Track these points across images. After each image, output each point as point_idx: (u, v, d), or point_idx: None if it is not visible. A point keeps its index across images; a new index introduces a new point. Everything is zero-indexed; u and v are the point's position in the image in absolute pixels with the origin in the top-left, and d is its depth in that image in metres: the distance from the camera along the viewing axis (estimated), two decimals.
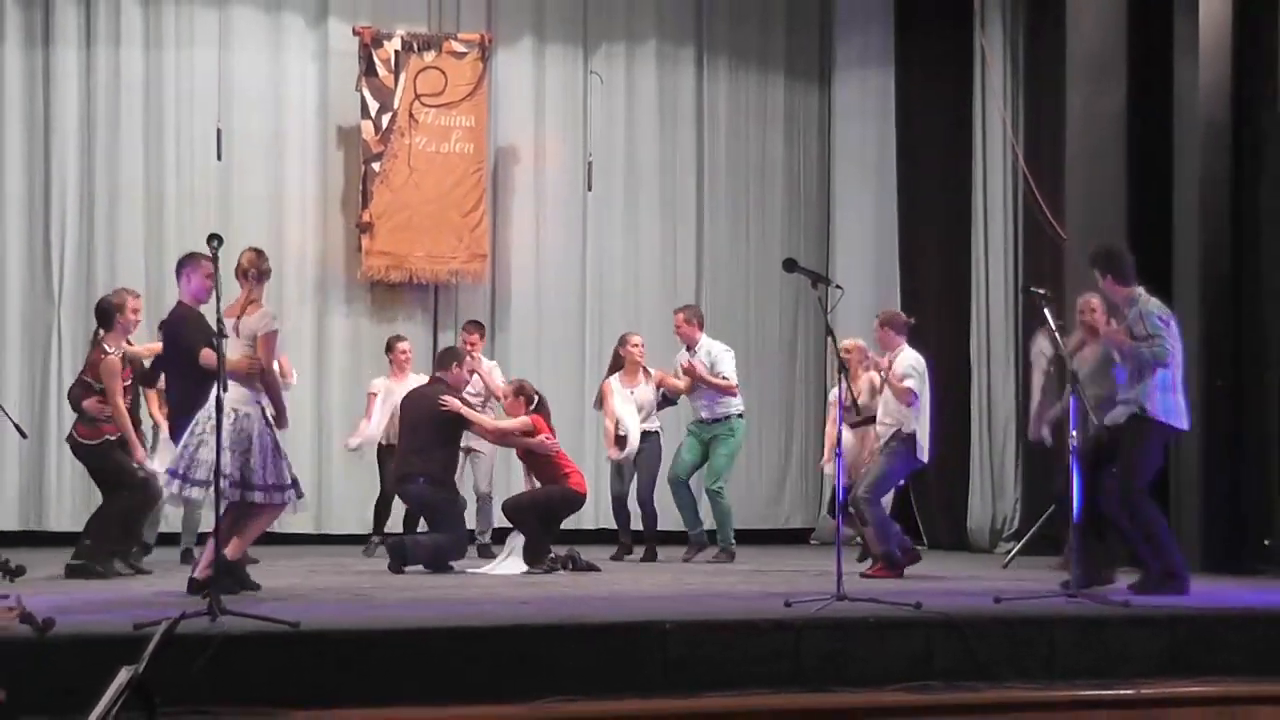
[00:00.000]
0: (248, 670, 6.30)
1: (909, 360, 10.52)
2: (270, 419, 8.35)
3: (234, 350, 8.18)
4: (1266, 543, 10.74)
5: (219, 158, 13.48)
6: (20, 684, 5.30)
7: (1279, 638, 7.73)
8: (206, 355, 8.27)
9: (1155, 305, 8.99)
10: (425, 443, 10.72)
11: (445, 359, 11.16)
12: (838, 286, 9.45)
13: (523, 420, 10.91)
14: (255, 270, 8.36)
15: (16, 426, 10.13)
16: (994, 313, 13.94)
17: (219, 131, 13.45)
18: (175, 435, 8.61)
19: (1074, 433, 8.70)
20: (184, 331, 8.60)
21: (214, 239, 7.58)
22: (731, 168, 14.98)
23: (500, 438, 11.15)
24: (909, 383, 10.37)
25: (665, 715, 6.67)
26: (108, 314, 9.91)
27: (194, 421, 8.22)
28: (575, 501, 11.02)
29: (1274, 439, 10.84)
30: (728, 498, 12.14)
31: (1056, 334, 9.15)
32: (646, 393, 12.05)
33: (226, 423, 7.87)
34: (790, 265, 8.84)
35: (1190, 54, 11.15)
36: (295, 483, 8.51)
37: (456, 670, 6.58)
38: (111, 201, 13.29)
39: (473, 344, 12.03)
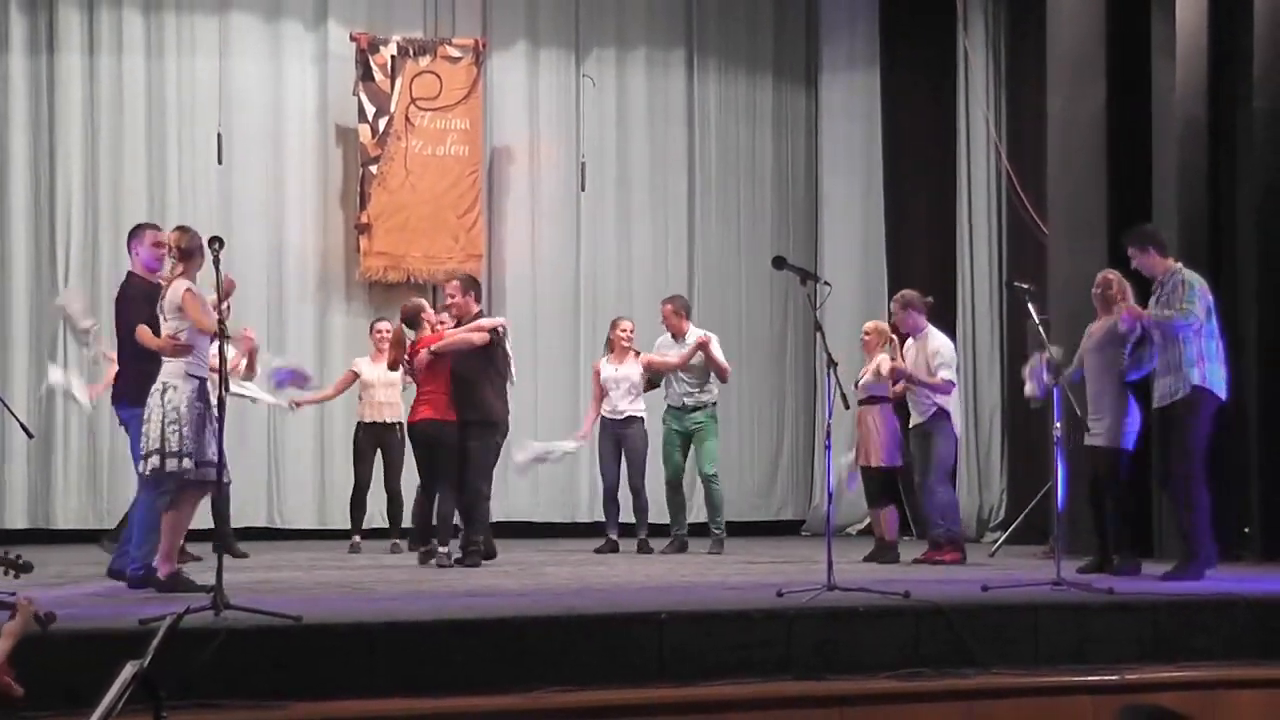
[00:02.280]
0: (251, 663, 6.37)
1: (944, 350, 10.86)
2: (205, 395, 8.30)
3: (163, 328, 8.36)
4: (1246, 530, 10.87)
5: (220, 161, 13.57)
6: (26, 679, 5.35)
7: (1258, 623, 7.86)
8: (142, 333, 8.46)
9: (1195, 276, 9.39)
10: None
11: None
12: (826, 283, 9.44)
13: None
14: (175, 249, 8.42)
15: (23, 426, 10.24)
16: (979, 307, 14.09)
17: (219, 136, 13.56)
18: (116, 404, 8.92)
19: (1058, 424, 8.91)
20: (122, 307, 8.78)
21: (215, 241, 7.68)
22: (721, 167, 15.07)
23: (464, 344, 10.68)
24: (945, 374, 10.70)
25: (661, 704, 6.75)
26: None
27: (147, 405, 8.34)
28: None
29: (1251, 427, 11.00)
30: (722, 484, 12.32)
31: (1040, 328, 9.38)
32: (632, 371, 12.19)
33: (156, 397, 8.16)
34: (779, 263, 8.90)
35: (1168, 54, 11.24)
36: (221, 465, 8.16)
37: (456, 662, 6.65)
38: (115, 205, 13.34)
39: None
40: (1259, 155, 11.02)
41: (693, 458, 12.28)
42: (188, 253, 8.36)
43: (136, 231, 9.09)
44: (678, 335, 12.25)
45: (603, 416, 12.26)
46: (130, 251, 9.03)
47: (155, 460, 8.17)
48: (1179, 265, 9.47)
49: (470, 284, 11.04)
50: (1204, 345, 9.29)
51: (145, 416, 8.26)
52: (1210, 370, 9.28)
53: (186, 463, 8.18)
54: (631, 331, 12.30)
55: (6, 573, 5.47)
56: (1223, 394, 9.35)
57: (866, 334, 11.30)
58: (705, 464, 12.17)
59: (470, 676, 6.64)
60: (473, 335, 10.63)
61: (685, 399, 12.12)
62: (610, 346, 12.34)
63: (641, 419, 12.22)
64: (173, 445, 8.14)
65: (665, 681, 6.86)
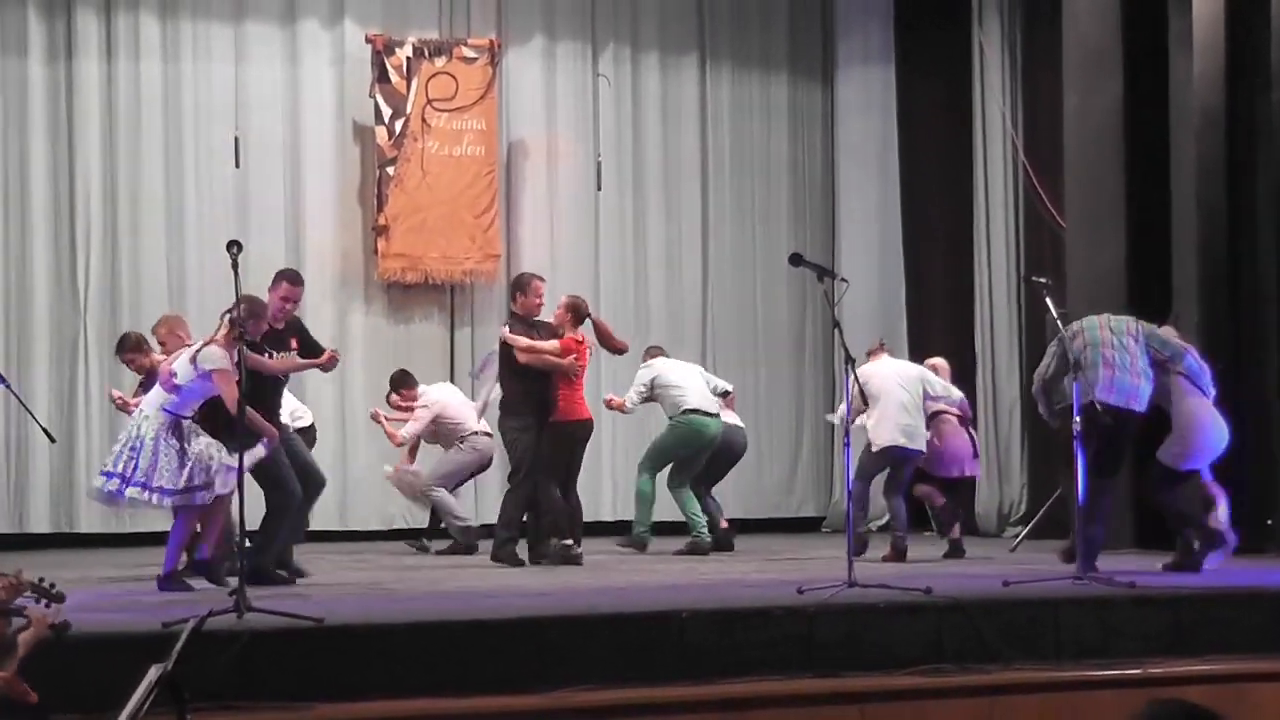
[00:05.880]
0: (273, 665, 6.43)
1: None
2: (185, 426, 8.70)
3: (179, 372, 8.72)
4: (1269, 522, 10.82)
5: (237, 165, 13.56)
6: (51, 682, 5.39)
7: None
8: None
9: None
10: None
11: (513, 290, 11.34)
12: (843, 280, 9.47)
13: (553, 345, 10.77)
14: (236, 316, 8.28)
15: (45, 430, 10.33)
16: (997, 301, 14.04)
17: (236, 139, 13.56)
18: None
19: (1077, 419, 8.87)
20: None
21: (233, 245, 7.71)
22: (736, 165, 15.04)
23: (532, 356, 10.72)
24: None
25: (681, 702, 6.77)
26: None
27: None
28: (576, 431, 10.84)
29: (1275, 420, 10.96)
30: (646, 485, 11.85)
31: (1059, 321, 9.32)
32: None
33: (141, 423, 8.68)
34: (796, 260, 8.87)
35: (1184, 46, 11.23)
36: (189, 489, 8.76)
37: (477, 662, 6.68)
38: (133, 210, 13.34)
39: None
40: (1278, 146, 10.98)
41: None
42: (239, 322, 8.20)
43: (275, 278, 9.43)
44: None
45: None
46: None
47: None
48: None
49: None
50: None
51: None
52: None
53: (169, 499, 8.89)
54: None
55: (39, 600, 5.53)
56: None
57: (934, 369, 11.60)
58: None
59: (492, 676, 6.67)
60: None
61: None
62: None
63: None
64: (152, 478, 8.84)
65: (686, 679, 6.88)
